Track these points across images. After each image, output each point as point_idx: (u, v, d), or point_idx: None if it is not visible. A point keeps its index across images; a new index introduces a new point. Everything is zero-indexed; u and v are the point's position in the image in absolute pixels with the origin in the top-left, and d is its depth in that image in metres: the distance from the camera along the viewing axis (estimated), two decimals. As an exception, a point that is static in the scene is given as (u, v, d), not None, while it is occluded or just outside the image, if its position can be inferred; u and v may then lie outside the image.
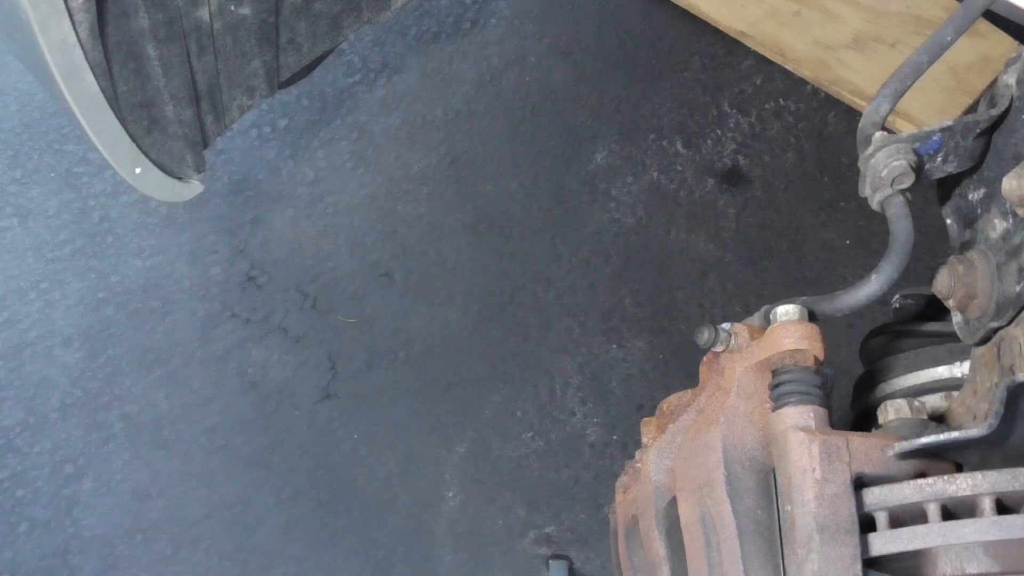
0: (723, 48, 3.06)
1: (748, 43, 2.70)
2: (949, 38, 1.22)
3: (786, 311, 1.13)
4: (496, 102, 3.05)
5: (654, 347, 2.61)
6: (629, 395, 2.55)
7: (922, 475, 1.06)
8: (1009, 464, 1.00)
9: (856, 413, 1.39)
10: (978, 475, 0.99)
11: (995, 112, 1.19)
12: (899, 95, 1.22)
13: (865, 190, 1.19)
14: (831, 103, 2.90)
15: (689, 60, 3.08)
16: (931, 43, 1.22)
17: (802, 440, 1.01)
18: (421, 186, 2.90)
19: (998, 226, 1.18)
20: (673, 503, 1.16)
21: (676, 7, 2.81)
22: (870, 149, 1.17)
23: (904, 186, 1.16)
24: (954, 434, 1.02)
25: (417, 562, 2.36)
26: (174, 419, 2.55)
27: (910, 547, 0.99)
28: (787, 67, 2.67)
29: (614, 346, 2.61)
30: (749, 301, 2.63)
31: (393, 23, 3.19)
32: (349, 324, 2.68)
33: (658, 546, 1.19)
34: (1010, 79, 1.19)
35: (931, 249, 1.88)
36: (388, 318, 2.69)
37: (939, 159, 1.20)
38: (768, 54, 2.69)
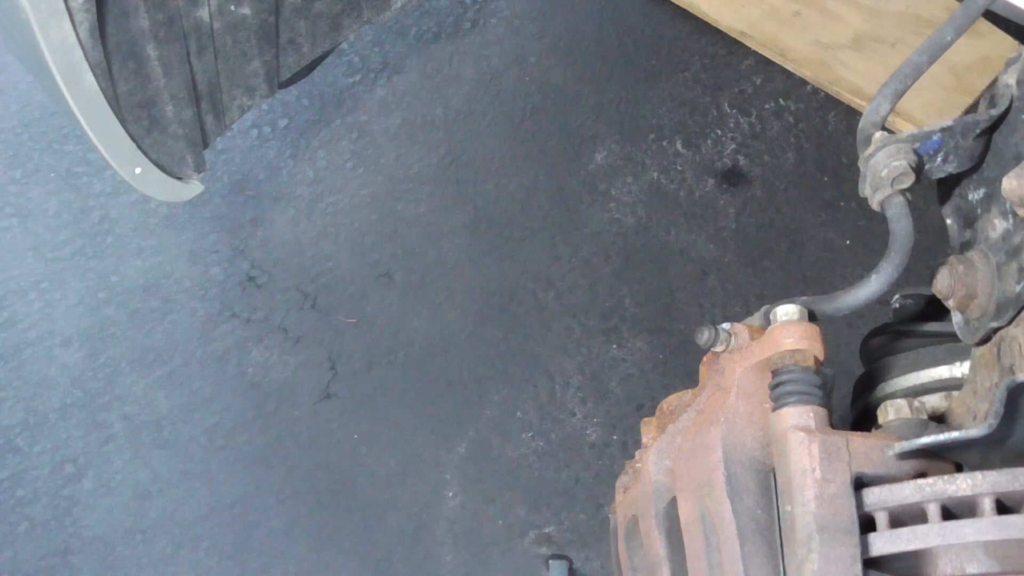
0: (723, 48, 3.06)
1: (748, 43, 2.71)
2: (949, 38, 1.22)
3: (786, 311, 1.12)
4: (496, 102, 3.05)
5: (654, 347, 2.61)
6: (629, 395, 2.55)
7: (922, 475, 1.06)
8: (1009, 464, 1.00)
9: (856, 413, 1.39)
10: (978, 475, 0.99)
11: (995, 112, 1.19)
12: (899, 95, 1.22)
13: (865, 190, 1.19)
14: (831, 103, 2.90)
15: (689, 60, 3.08)
16: (931, 43, 1.22)
17: (802, 440, 1.01)
18: (421, 186, 2.90)
19: (998, 226, 1.18)
20: (673, 503, 1.16)
21: (676, 7, 2.81)
22: (870, 149, 1.17)
23: (904, 186, 1.16)
24: (954, 434, 1.02)
25: (417, 562, 2.36)
26: (174, 419, 2.55)
27: (910, 547, 0.98)
28: (787, 67, 2.68)
29: (614, 346, 2.61)
30: (749, 301, 2.63)
31: (393, 23, 3.19)
32: (349, 324, 2.68)
33: (658, 546, 1.19)
34: (1010, 79, 1.19)
35: (931, 249, 1.89)
36: (388, 318, 2.69)
37: (939, 159, 1.20)
38: (768, 54, 2.69)
